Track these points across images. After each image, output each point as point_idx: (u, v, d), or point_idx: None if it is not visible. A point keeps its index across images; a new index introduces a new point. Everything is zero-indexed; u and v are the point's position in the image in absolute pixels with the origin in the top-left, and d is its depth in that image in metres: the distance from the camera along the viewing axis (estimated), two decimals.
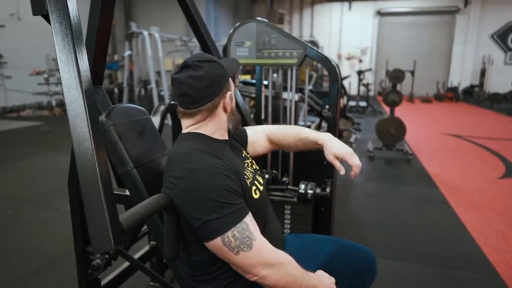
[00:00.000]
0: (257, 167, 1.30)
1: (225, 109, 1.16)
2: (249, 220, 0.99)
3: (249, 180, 1.13)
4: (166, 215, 0.91)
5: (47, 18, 1.34)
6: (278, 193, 1.99)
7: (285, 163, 2.06)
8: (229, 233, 0.94)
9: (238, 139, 1.34)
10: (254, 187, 1.13)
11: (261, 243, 0.99)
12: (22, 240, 2.71)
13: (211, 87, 1.10)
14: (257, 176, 1.21)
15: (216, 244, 0.95)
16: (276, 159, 2.07)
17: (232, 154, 1.17)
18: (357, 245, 1.37)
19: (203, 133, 1.13)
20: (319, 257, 1.27)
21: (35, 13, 1.22)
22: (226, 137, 1.20)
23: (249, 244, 0.96)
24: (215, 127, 1.15)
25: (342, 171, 1.25)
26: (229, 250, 0.95)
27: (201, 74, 1.08)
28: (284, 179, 2.05)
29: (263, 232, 1.05)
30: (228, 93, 1.15)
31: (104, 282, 1.53)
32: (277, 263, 0.99)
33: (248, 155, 1.31)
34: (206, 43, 1.61)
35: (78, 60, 0.87)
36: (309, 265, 1.19)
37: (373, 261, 1.33)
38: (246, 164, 1.21)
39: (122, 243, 0.75)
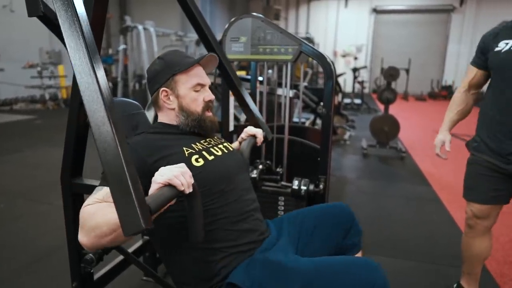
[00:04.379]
0: (226, 145, 1.33)
1: (165, 103, 1.24)
2: (104, 191, 0.99)
3: (190, 151, 1.16)
4: (188, 199, 0.91)
5: (42, 19, 1.34)
6: (271, 184, 2.00)
7: (279, 154, 2.07)
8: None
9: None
10: (195, 157, 1.15)
11: (84, 208, 0.95)
12: (15, 234, 2.70)
13: (149, 82, 1.26)
14: (211, 149, 1.23)
15: None
16: (270, 150, 2.08)
17: (175, 136, 1.22)
18: (330, 204, 1.40)
19: (160, 121, 1.28)
20: (300, 235, 1.30)
21: (30, 14, 1.23)
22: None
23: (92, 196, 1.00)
24: (167, 119, 1.26)
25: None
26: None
27: (147, 70, 1.29)
28: (278, 169, 2.06)
29: (220, 204, 1.12)
30: (161, 89, 1.22)
31: (97, 276, 1.53)
32: (81, 224, 0.93)
33: (214, 140, 1.33)
34: (206, 38, 1.58)
35: (88, 45, 0.87)
36: (285, 240, 1.25)
37: (348, 210, 1.35)
38: (200, 142, 1.24)
39: (151, 224, 0.75)
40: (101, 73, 0.87)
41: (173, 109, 1.24)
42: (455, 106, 1.88)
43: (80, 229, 0.92)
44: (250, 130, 1.49)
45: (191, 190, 0.88)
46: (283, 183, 1.99)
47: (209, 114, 1.28)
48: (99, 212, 0.90)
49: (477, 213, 1.73)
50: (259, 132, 1.50)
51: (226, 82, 1.64)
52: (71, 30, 0.88)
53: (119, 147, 0.79)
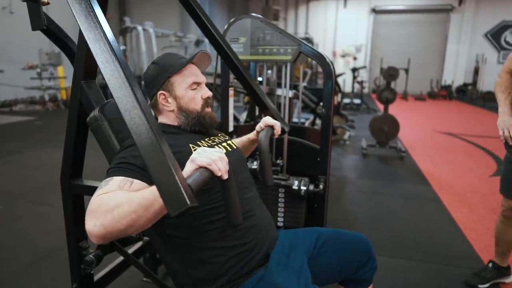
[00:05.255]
0: (229, 143, 1.34)
1: (164, 106, 1.24)
2: (117, 180, 0.97)
3: (196, 148, 1.14)
4: (224, 183, 0.89)
5: (46, 32, 1.36)
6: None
7: (279, 152, 2.07)
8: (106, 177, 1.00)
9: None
10: None
11: (98, 196, 0.91)
12: (15, 235, 2.70)
13: (147, 88, 1.27)
14: (216, 147, 1.24)
15: None
16: (270, 150, 2.08)
17: (180, 135, 1.23)
18: (349, 232, 1.40)
19: (161, 122, 1.28)
20: (310, 244, 1.30)
21: (34, 28, 1.27)
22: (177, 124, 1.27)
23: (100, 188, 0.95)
24: (168, 121, 1.27)
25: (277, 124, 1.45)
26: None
27: (143, 75, 1.30)
28: (278, 161, 2.06)
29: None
30: (159, 93, 1.23)
31: (97, 277, 1.53)
32: (94, 209, 0.88)
33: (218, 138, 1.34)
34: (213, 36, 1.57)
35: (107, 35, 0.87)
36: (302, 252, 1.25)
37: (367, 243, 1.35)
38: (204, 140, 1.25)
39: (196, 202, 0.74)
40: (123, 60, 0.87)
41: (173, 110, 1.24)
42: (509, 89, 1.95)
43: (91, 215, 0.86)
44: (268, 120, 1.45)
45: (227, 176, 0.87)
46: (283, 183, 1.99)
47: (208, 110, 1.28)
48: (118, 195, 0.89)
49: None
50: (277, 124, 1.45)
51: (237, 77, 1.61)
52: (88, 21, 0.88)
53: (152, 129, 0.79)
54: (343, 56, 16.13)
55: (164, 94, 1.23)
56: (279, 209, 2.05)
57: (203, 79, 1.28)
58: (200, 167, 0.83)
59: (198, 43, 10.33)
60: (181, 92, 1.23)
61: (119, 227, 0.83)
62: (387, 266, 2.30)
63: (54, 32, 1.47)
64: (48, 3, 1.33)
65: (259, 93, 1.59)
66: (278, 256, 1.19)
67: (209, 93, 1.28)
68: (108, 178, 0.98)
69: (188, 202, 0.72)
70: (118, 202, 0.85)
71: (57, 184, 1.33)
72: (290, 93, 2.18)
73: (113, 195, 0.90)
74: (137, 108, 0.81)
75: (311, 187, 1.91)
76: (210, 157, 0.84)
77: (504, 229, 2.04)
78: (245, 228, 1.16)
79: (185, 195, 0.72)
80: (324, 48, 15.81)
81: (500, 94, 1.95)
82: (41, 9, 1.31)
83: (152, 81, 1.24)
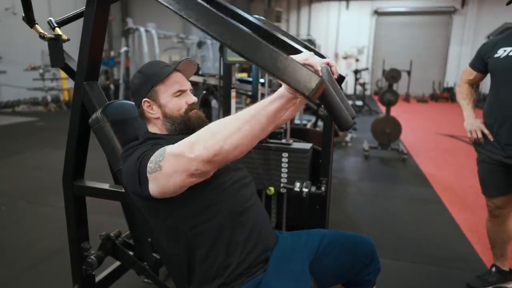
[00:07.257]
0: None
1: (150, 114, 1.24)
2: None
3: None
4: (323, 93, 0.87)
5: (65, 70, 1.39)
6: (274, 141, 1.99)
7: None
8: (146, 163, 1.03)
9: None
10: None
11: (169, 146, 1.00)
12: (16, 236, 2.70)
13: (133, 96, 1.26)
14: None
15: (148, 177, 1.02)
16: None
17: (176, 137, 1.22)
18: (353, 234, 1.39)
19: (150, 131, 1.27)
20: (313, 247, 1.30)
21: (54, 65, 1.34)
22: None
23: (161, 153, 1.00)
24: (157, 129, 1.25)
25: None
26: (155, 172, 0.99)
27: (129, 84, 1.31)
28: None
29: (239, 216, 1.15)
30: (143, 100, 1.22)
31: (98, 278, 1.53)
32: (197, 137, 0.94)
33: None
34: (246, 20, 1.52)
35: None
36: (304, 256, 1.24)
37: (371, 245, 1.34)
38: None
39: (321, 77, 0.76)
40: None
41: (158, 118, 1.24)
42: (470, 97, 2.15)
43: (195, 143, 0.92)
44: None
45: (320, 69, 0.89)
46: (284, 184, 1.99)
47: (193, 112, 1.26)
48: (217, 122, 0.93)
49: (499, 204, 2.01)
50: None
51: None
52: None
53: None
54: (345, 58, 16.13)
55: (148, 102, 1.22)
56: (282, 174, 2.03)
57: (187, 86, 1.28)
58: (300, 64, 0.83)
59: (200, 44, 10.34)
60: (165, 99, 1.22)
61: (230, 143, 0.88)
62: (389, 268, 2.30)
63: (72, 69, 1.46)
64: (68, 40, 1.37)
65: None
66: (278, 259, 1.19)
67: (193, 99, 1.26)
68: (159, 150, 1.02)
69: (318, 77, 0.74)
70: (224, 122, 0.90)
71: (59, 185, 1.33)
72: None
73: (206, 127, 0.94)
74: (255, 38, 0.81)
75: (313, 188, 1.90)
76: (303, 56, 0.88)
77: (495, 228, 2.06)
78: (243, 225, 1.16)
79: (311, 73, 0.74)
80: (326, 50, 15.81)
81: (462, 101, 2.15)
82: (62, 47, 1.33)
83: (137, 90, 1.24)
